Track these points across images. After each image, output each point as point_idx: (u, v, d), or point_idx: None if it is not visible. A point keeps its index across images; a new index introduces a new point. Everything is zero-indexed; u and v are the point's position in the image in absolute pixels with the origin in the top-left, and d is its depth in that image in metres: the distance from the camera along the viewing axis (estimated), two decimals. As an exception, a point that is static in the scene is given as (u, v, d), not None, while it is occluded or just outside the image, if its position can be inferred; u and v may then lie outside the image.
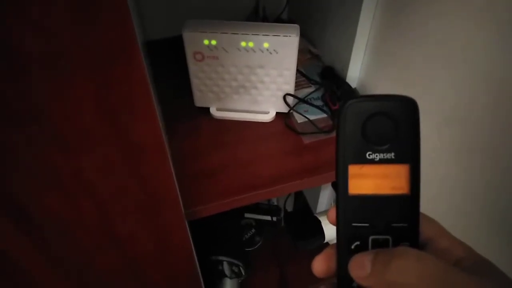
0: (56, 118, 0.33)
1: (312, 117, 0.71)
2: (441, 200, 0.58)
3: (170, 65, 0.85)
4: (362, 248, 0.26)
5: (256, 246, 1.09)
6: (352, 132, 0.25)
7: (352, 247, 0.26)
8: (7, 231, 0.41)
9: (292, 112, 0.72)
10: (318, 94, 0.76)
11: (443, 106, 0.54)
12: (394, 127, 0.25)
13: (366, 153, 0.25)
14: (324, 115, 0.72)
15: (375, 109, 0.25)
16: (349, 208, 0.26)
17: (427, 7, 0.53)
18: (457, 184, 0.55)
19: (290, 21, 1.01)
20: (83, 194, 0.42)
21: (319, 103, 0.74)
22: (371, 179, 0.26)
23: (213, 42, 0.61)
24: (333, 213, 0.27)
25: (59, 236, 0.46)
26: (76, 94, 0.32)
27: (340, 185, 0.26)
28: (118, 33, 0.30)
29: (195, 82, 0.68)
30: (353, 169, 0.26)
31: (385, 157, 0.25)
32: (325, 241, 0.79)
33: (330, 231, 0.77)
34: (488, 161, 0.48)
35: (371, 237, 0.26)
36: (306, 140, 0.68)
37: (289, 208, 1.14)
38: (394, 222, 0.26)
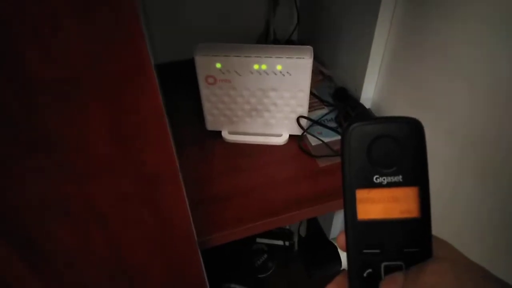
0: (68, 146, 0.32)
1: (326, 139, 0.70)
2: (461, 223, 0.55)
3: (180, 89, 0.84)
4: (374, 276, 0.26)
5: (269, 273, 1.06)
6: (357, 156, 0.25)
7: (365, 274, 0.26)
8: (13, 262, 0.39)
9: (305, 135, 0.71)
10: (332, 115, 0.75)
11: (463, 127, 0.52)
12: (399, 149, 0.24)
13: (373, 177, 0.25)
14: (339, 137, 0.70)
15: (379, 132, 0.24)
16: (359, 234, 0.26)
17: (445, 25, 0.52)
18: (479, 208, 0.52)
19: (300, 42, 1.00)
20: (94, 223, 0.40)
21: (333, 124, 0.73)
22: (379, 204, 0.25)
23: (226, 66, 0.61)
24: (342, 238, 0.27)
25: (67, 267, 0.44)
26: (89, 122, 0.31)
27: (348, 210, 0.26)
28: (132, 60, 0.29)
29: (207, 105, 0.67)
30: (360, 194, 0.25)
31: (393, 180, 0.25)
32: (342, 268, 0.76)
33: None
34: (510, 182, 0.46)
35: (383, 264, 0.26)
36: (321, 163, 0.66)
37: (303, 232, 1.11)
38: (406, 247, 0.25)
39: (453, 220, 0.56)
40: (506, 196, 0.47)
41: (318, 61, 0.87)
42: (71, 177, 0.34)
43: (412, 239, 0.25)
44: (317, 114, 0.75)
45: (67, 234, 0.40)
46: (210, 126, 0.71)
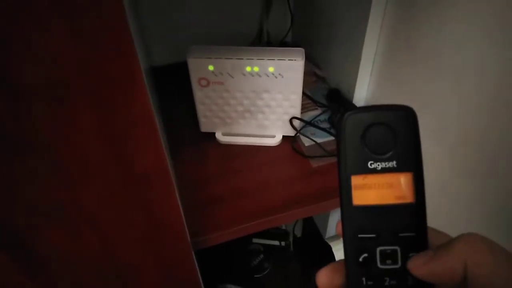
0: (58, 149, 0.33)
1: (319, 140, 0.70)
2: (452, 223, 0.56)
3: (175, 91, 0.85)
4: (370, 260, 0.26)
5: (265, 273, 1.06)
6: (352, 143, 0.25)
7: (360, 259, 0.26)
8: (6, 266, 0.39)
9: (299, 136, 0.71)
10: (325, 116, 0.75)
11: (455, 128, 0.52)
12: (393, 135, 0.25)
13: (368, 162, 0.25)
14: (332, 138, 0.71)
15: (373, 119, 0.25)
16: (354, 219, 0.26)
17: (435, 26, 0.53)
18: (469, 208, 0.53)
19: (294, 44, 1.01)
20: (86, 226, 0.40)
21: (326, 125, 0.73)
22: (374, 189, 0.25)
23: (218, 68, 0.61)
24: (340, 225, 0.27)
25: (60, 269, 0.44)
26: (78, 124, 0.32)
27: (343, 196, 0.26)
28: (121, 62, 0.29)
29: (200, 108, 0.67)
30: (356, 180, 0.26)
31: (387, 166, 0.25)
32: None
33: (342, 257, 0.74)
34: (501, 185, 0.47)
35: (378, 248, 0.26)
36: (314, 164, 0.66)
37: (298, 233, 1.12)
38: (401, 232, 0.26)
39: (442, 219, 0.56)
40: (495, 196, 0.48)
41: (312, 62, 0.88)
42: (63, 180, 0.35)
43: (407, 224, 0.26)
44: (310, 115, 0.75)
45: (61, 237, 0.40)
46: (204, 128, 0.71)
